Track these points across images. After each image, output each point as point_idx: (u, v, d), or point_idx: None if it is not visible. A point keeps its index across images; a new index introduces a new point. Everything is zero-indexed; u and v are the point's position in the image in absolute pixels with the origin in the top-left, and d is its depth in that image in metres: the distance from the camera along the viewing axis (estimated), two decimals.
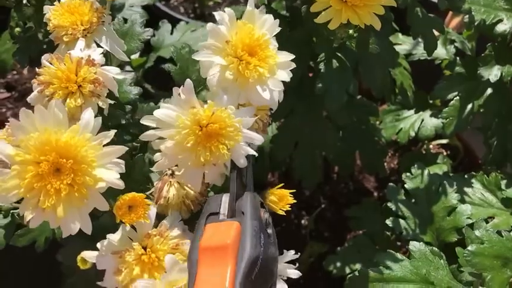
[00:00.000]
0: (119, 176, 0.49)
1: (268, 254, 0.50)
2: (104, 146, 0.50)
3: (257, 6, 0.58)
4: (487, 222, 0.75)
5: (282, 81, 0.56)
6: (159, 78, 0.84)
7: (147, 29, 0.72)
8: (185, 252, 0.55)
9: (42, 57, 0.56)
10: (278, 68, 0.56)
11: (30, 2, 0.73)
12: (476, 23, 0.80)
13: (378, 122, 1.01)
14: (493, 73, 0.81)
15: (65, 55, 0.54)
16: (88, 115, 0.50)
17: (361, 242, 0.85)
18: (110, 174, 0.49)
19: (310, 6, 0.65)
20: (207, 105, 0.53)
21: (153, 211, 0.56)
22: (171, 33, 0.97)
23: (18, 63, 0.74)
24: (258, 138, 0.55)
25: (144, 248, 0.55)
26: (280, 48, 0.80)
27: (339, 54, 0.72)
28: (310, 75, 0.87)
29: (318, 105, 0.82)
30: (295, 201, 0.59)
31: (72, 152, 0.48)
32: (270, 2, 0.93)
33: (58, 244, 0.69)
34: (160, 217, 0.59)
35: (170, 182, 0.59)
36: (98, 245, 0.56)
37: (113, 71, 0.56)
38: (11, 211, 0.65)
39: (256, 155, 0.55)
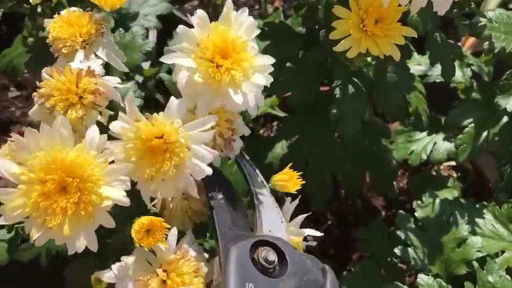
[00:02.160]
0: (124, 193, 0.49)
1: None
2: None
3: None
4: (497, 256, 0.74)
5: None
6: None
7: (148, 40, 0.72)
8: (204, 276, 0.55)
9: (42, 70, 0.55)
10: (255, 72, 0.54)
11: (44, 11, 0.72)
12: (496, 50, 0.78)
13: (389, 142, 1.00)
14: (511, 102, 0.80)
15: (65, 67, 0.54)
16: (93, 132, 0.50)
17: (367, 267, 0.84)
18: (116, 192, 0.49)
19: (329, 31, 0.64)
20: (153, 119, 0.51)
21: (173, 234, 0.55)
22: None
23: (30, 73, 0.74)
24: (207, 156, 0.52)
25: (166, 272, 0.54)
26: (295, 68, 0.80)
27: (355, 80, 0.70)
28: (325, 88, 0.86)
29: (330, 126, 0.81)
30: (304, 181, 0.59)
31: (78, 171, 0.48)
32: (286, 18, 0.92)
33: (63, 259, 0.68)
34: None
35: None
36: (113, 266, 0.55)
37: (113, 81, 0.55)
38: (15, 226, 0.65)
39: (210, 173, 0.52)
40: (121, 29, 0.73)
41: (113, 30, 0.80)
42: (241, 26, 0.54)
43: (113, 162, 0.50)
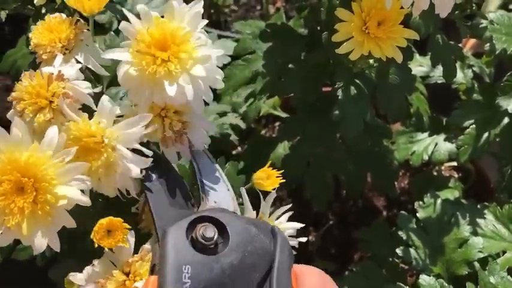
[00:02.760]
0: (80, 192, 0.49)
1: (213, 274, 0.44)
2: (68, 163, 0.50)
3: None
4: (498, 256, 0.74)
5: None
6: None
7: None
8: None
9: (22, 74, 0.56)
10: (196, 63, 0.51)
11: (49, 12, 0.72)
12: (497, 52, 0.79)
13: (390, 143, 1.01)
14: None
15: (37, 71, 0.54)
16: (52, 132, 0.50)
17: (369, 267, 0.84)
18: (73, 191, 0.49)
19: (331, 33, 0.64)
20: (82, 119, 0.51)
21: (132, 235, 0.55)
22: None
23: None
24: (130, 158, 0.51)
25: (127, 274, 0.54)
26: (297, 69, 0.80)
27: (357, 81, 0.71)
28: (327, 89, 0.86)
29: (332, 126, 0.82)
30: (283, 180, 0.57)
31: (32, 171, 0.48)
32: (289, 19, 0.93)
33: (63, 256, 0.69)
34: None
35: None
36: (85, 269, 0.55)
37: (82, 85, 0.55)
38: None
39: (137, 174, 0.51)
40: (112, 32, 0.73)
41: (115, 32, 0.80)
42: (183, 17, 0.52)
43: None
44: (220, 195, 0.53)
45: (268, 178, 0.57)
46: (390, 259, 0.85)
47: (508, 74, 0.82)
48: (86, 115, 0.52)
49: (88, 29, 0.60)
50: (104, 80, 0.65)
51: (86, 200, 0.50)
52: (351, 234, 1.05)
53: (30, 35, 0.60)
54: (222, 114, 0.94)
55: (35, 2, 0.68)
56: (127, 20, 0.53)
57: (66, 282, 0.56)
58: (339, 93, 0.70)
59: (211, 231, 0.46)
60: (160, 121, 0.53)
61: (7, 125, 0.51)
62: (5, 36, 1.27)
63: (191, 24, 0.52)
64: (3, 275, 0.81)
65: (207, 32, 0.54)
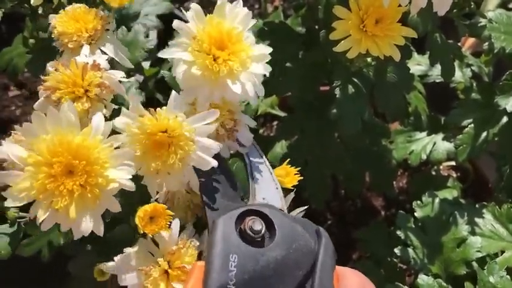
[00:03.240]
0: (130, 176, 0.50)
1: (258, 266, 0.46)
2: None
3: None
4: (496, 256, 0.74)
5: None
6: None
7: (150, 38, 0.74)
8: None
9: (48, 64, 0.56)
10: (252, 61, 0.54)
11: (45, 12, 0.72)
12: (495, 51, 0.79)
13: (389, 142, 1.00)
14: (511, 103, 0.80)
15: (71, 60, 0.55)
16: (98, 119, 0.50)
17: (367, 267, 0.84)
18: (122, 175, 0.49)
19: (329, 31, 0.64)
20: (157, 114, 0.51)
21: (176, 223, 0.55)
22: None
23: (31, 74, 0.74)
24: (214, 147, 0.52)
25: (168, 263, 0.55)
26: (294, 67, 0.80)
27: (355, 80, 0.71)
28: (325, 88, 0.86)
29: (330, 125, 0.81)
30: (301, 177, 0.58)
31: (85, 154, 0.48)
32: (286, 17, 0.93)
33: (63, 259, 0.69)
34: None
35: None
36: (115, 257, 0.55)
37: (118, 75, 0.56)
38: (18, 220, 0.65)
39: (216, 164, 0.52)
40: (123, 27, 0.74)
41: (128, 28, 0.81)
42: (236, 17, 0.54)
43: (117, 148, 0.51)
44: (269, 193, 0.55)
45: (287, 175, 0.57)
46: (388, 259, 0.85)
47: (507, 73, 0.81)
48: (159, 110, 0.52)
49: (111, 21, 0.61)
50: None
51: (132, 185, 0.50)
52: (350, 234, 1.05)
53: (52, 23, 0.60)
54: None
55: (31, 2, 0.68)
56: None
57: (96, 273, 0.56)
58: (337, 91, 0.70)
59: (259, 225, 0.48)
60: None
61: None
62: (1, 34, 1.27)
63: (243, 24, 0.54)
64: (4, 274, 0.80)
65: None
